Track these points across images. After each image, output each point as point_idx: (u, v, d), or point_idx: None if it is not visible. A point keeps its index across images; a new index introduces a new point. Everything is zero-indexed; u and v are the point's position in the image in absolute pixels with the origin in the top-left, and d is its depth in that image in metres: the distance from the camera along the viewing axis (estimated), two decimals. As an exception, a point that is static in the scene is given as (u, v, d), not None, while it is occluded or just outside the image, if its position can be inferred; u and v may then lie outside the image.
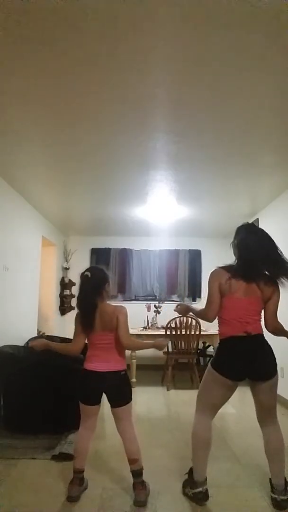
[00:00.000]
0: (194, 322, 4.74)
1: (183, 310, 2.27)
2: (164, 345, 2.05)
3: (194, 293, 6.44)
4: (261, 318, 1.97)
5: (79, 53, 1.89)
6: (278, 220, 4.27)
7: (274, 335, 1.98)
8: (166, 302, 6.00)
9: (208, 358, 5.11)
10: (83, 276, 2.02)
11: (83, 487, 2.01)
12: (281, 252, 1.93)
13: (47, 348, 2.03)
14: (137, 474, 1.97)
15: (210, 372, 1.93)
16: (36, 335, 4.69)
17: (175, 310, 2.24)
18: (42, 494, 2.01)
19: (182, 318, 4.80)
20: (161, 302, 5.73)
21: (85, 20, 1.68)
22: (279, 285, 1.92)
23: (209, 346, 5.48)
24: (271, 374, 1.88)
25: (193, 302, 6.30)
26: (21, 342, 3.96)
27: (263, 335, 1.94)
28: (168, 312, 5.39)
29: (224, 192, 4.15)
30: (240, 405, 3.75)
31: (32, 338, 4.29)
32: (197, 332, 4.72)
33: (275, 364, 1.92)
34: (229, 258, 2.07)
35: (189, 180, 3.72)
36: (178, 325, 4.79)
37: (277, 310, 1.97)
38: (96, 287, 2.00)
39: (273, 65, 1.97)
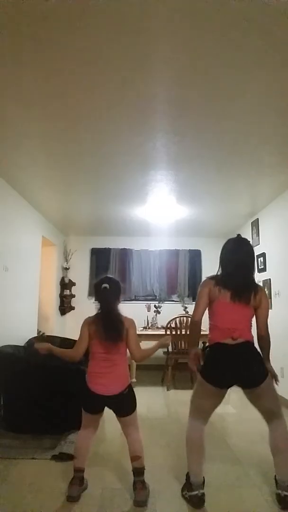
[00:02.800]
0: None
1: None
2: (168, 343, 2.13)
3: (194, 293, 6.43)
4: (250, 326, 1.99)
5: (79, 53, 1.89)
6: (278, 220, 4.27)
7: (260, 341, 2.03)
8: (166, 302, 6.00)
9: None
10: (101, 288, 2.00)
11: (83, 487, 2.01)
12: (254, 273, 2.10)
13: (50, 352, 2.05)
14: (138, 472, 1.97)
15: (200, 379, 1.97)
16: (36, 335, 4.69)
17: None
18: (42, 494, 2.01)
19: (182, 318, 4.80)
20: (161, 302, 5.73)
21: (85, 20, 1.68)
22: (264, 293, 2.04)
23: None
24: (259, 380, 1.89)
25: (193, 302, 6.27)
26: (21, 342, 3.96)
27: (251, 342, 1.96)
28: (168, 312, 5.41)
29: (224, 192, 4.15)
30: (240, 405, 3.75)
31: (32, 338, 4.30)
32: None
33: (263, 369, 1.93)
34: None
35: (189, 180, 3.72)
36: (178, 325, 4.79)
37: (267, 317, 2.03)
38: (116, 298, 2.03)
39: (273, 65, 1.97)
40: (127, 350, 2.02)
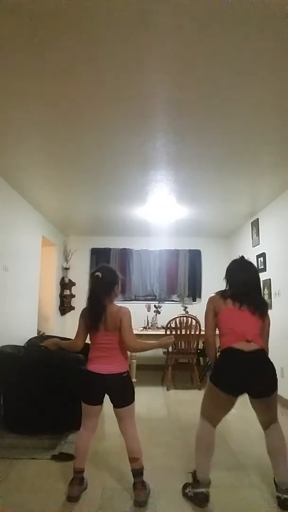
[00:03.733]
0: (194, 322, 4.74)
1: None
2: (170, 343, 2.08)
3: (194, 293, 6.44)
4: (261, 334, 2.00)
5: (78, 53, 1.89)
6: (278, 220, 4.27)
7: None
8: (166, 302, 6.00)
9: (208, 358, 5.12)
10: (93, 276, 2.01)
11: (83, 487, 2.01)
12: (261, 289, 2.17)
13: (58, 346, 2.18)
14: (137, 473, 1.96)
15: (210, 386, 1.95)
16: (36, 335, 4.69)
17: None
18: (42, 494, 2.01)
19: (182, 318, 4.80)
20: (161, 302, 5.74)
21: (85, 20, 1.68)
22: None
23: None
24: (271, 391, 1.89)
25: (193, 302, 6.30)
26: (21, 342, 3.97)
27: (264, 350, 1.96)
28: (168, 312, 5.41)
29: (224, 192, 4.15)
30: (240, 405, 3.74)
31: (32, 338, 4.30)
32: (197, 332, 4.72)
33: (276, 380, 1.93)
34: (229, 257, 2.17)
35: (189, 180, 3.72)
36: (178, 325, 4.79)
37: (268, 334, 2.08)
38: (106, 288, 2.01)
39: (273, 64, 1.97)
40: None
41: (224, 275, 2.19)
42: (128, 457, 1.99)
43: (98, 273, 2.00)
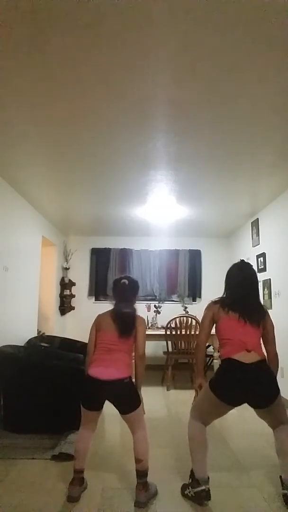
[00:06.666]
0: (194, 322, 4.74)
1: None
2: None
3: (194, 293, 6.44)
4: (260, 343, 2.01)
5: (78, 53, 1.89)
6: (278, 220, 4.27)
7: (269, 359, 2.03)
8: (166, 302, 6.00)
9: (208, 358, 5.12)
10: (120, 283, 2.11)
11: (83, 487, 2.01)
12: (258, 292, 2.16)
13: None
14: (140, 474, 1.97)
15: (208, 391, 1.94)
16: (36, 335, 4.70)
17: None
18: (42, 494, 2.01)
19: (182, 318, 4.80)
20: (161, 302, 5.73)
21: (84, 21, 1.68)
22: (269, 315, 2.09)
23: (209, 346, 5.47)
24: (272, 399, 1.88)
25: (193, 302, 6.30)
26: (21, 342, 3.97)
27: (265, 360, 1.95)
28: (168, 312, 5.41)
29: (224, 192, 4.15)
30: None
31: (32, 337, 4.30)
32: (197, 332, 4.71)
33: (277, 389, 1.90)
34: (229, 258, 2.18)
35: (189, 180, 3.72)
36: (178, 325, 4.79)
37: (274, 336, 2.07)
38: (133, 294, 2.14)
39: (273, 64, 1.97)
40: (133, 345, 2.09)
41: (224, 278, 2.19)
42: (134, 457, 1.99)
43: (125, 280, 2.11)
